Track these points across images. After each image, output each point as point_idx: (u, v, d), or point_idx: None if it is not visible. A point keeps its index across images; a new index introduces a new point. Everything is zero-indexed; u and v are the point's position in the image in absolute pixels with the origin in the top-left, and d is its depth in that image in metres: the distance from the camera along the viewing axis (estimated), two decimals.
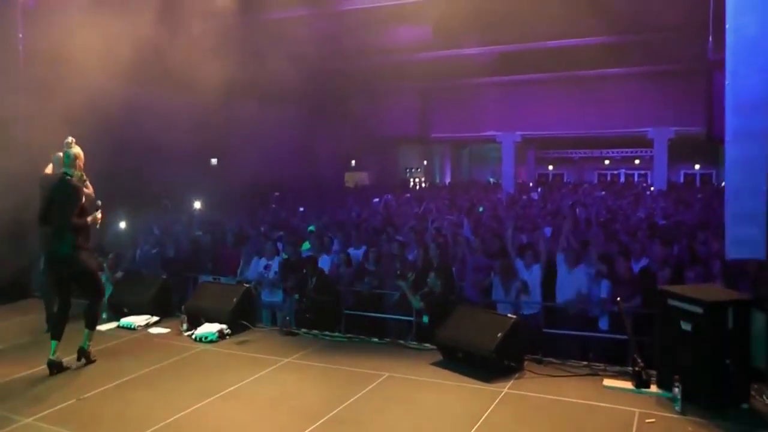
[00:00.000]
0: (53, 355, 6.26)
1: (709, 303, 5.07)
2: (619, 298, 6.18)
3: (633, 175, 36.16)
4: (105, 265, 9.47)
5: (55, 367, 6.25)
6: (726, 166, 7.16)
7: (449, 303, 7.46)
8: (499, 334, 6.11)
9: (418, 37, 17.25)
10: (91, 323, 6.51)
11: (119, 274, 9.42)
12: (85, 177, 6.53)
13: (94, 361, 6.47)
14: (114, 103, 11.39)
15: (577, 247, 8.53)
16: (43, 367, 6.29)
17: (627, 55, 17.68)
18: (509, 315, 6.65)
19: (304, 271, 8.84)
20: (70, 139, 6.41)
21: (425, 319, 7.84)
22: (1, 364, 6.58)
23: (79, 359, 6.41)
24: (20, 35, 10.15)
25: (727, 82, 6.95)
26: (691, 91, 18.66)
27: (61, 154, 6.52)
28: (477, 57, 18.80)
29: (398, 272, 8.24)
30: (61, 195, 6.29)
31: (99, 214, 6.53)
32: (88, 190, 6.49)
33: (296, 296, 8.74)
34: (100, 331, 7.63)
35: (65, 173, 6.32)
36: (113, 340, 7.46)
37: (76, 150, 6.39)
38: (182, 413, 5.28)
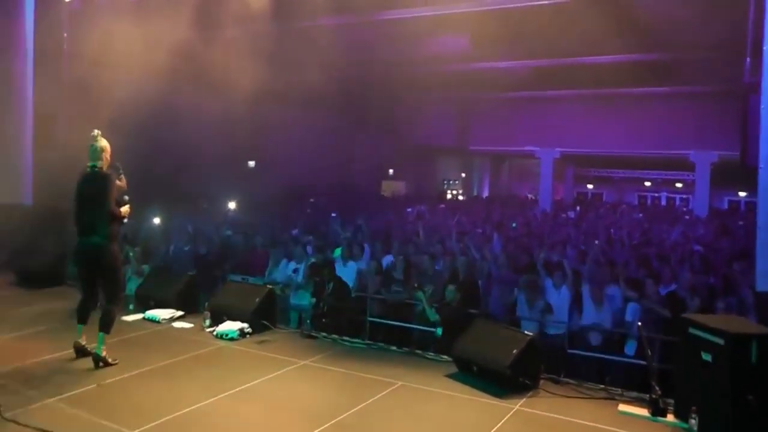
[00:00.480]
0: (79, 338, 6.43)
1: (732, 334, 4.92)
2: (639, 323, 6.08)
3: (675, 198, 35.44)
4: (132, 257, 9.66)
5: (80, 351, 6.41)
6: (759, 194, 6.97)
7: (466, 316, 7.42)
8: (515, 351, 6.06)
9: (457, 47, 17.22)
10: (106, 327, 6.37)
11: (145, 268, 9.57)
12: (121, 170, 6.65)
13: (114, 364, 6.28)
14: (153, 104, 11.67)
15: (605, 267, 8.42)
16: (68, 352, 6.45)
17: (669, 74, 17.37)
18: (527, 332, 6.57)
19: (320, 276, 8.87)
20: (95, 132, 6.48)
21: (438, 331, 7.83)
22: (31, 347, 6.77)
23: (96, 365, 6.21)
24: (65, 35, 10.45)
25: (762, 106, 6.77)
26: (736, 114, 18.22)
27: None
28: (516, 70, 18.69)
29: (416, 284, 8.23)
30: (90, 187, 6.35)
31: (127, 208, 6.60)
32: (121, 183, 6.58)
33: (313, 300, 8.78)
34: (126, 322, 7.85)
35: (92, 166, 6.38)
36: (137, 330, 7.62)
37: (103, 143, 6.44)
38: (193, 407, 5.37)
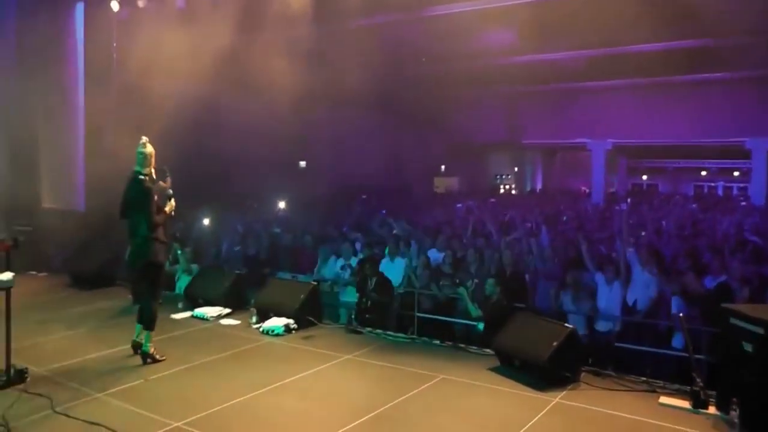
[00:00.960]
0: (137, 337, 6.72)
1: None
2: (681, 315, 5.98)
3: (732, 187, 34.31)
4: (181, 256, 9.96)
5: (139, 348, 6.68)
6: None
7: (508, 311, 7.41)
8: (555, 343, 6.05)
9: (504, 41, 17.11)
10: (149, 324, 6.63)
11: (194, 267, 9.90)
12: (167, 173, 6.90)
13: (162, 360, 6.55)
14: (201, 108, 11.98)
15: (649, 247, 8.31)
16: (118, 349, 6.79)
17: (721, 59, 16.84)
18: (566, 325, 6.54)
19: (363, 272, 8.97)
20: (144, 139, 6.76)
21: (480, 326, 7.85)
22: (81, 345, 7.11)
23: (144, 362, 6.50)
24: (114, 45, 10.84)
25: None
26: None
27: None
28: (565, 62, 18.46)
29: (458, 280, 8.27)
30: (134, 194, 6.63)
31: (173, 202, 6.84)
32: (166, 184, 6.82)
33: (357, 295, 8.90)
34: (175, 320, 8.15)
35: (137, 172, 6.65)
36: (186, 328, 7.90)
37: (150, 149, 6.71)
38: (237, 400, 5.56)
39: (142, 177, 6.62)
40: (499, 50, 17.62)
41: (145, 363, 6.48)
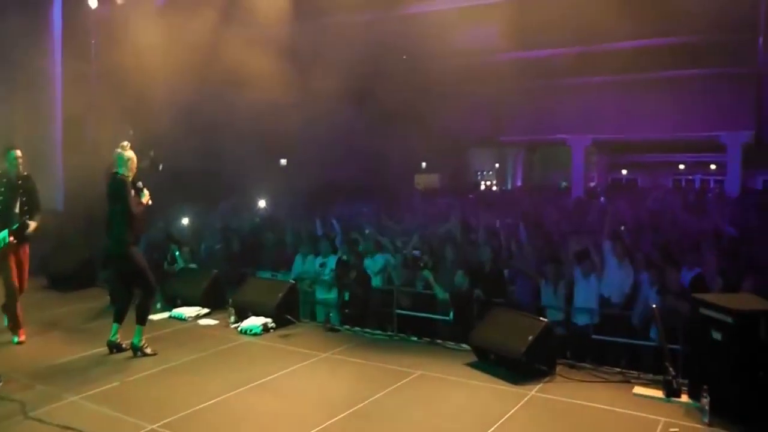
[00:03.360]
0: (113, 336, 6.74)
1: (740, 312, 4.92)
2: (654, 306, 6.06)
3: (709, 180, 34.77)
4: (179, 256, 9.90)
5: (115, 347, 6.75)
6: None
7: (476, 302, 7.65)
8: (530, 337, 6.10)
9: (486, 39, 17.19)
10: (142, 319, 6.76)
11: (194, 267, 9.89)
12: (143, 189, 6.84)
13: (154, 355, 6.70)
14: (182, 105, 11.92)
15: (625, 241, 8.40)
16: (94, 351, 6.75)
17: (699, 56, 17.09)
18: (542, 318, 6.60)
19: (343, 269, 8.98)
20: (125, 143, 6.77)
21: (450, 315, 7.97)
22: (58, 346, 7.09)
23: (135, 355, 6.66)
24: (93, 41, 10.77)
25: None
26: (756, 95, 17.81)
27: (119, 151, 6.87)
28: (545, 59, 18.60)
29: (422, 263, 8.30)
30: (111, 188, 6.64)
31: (147, 193, 6.82)
32: (144, 201, 6.81)
33: (336, 291, 8.90)
34: (152, 321, 8.05)
35: (116, 172, 6.65)
36: (164, 329, 7.86)
37: (130, 153, 6.71)
38: (214, 400, 5.55)
39: (118, 175, 6.62)
40: (480, 48, 17.73)
41: (135, 356, 6.59)
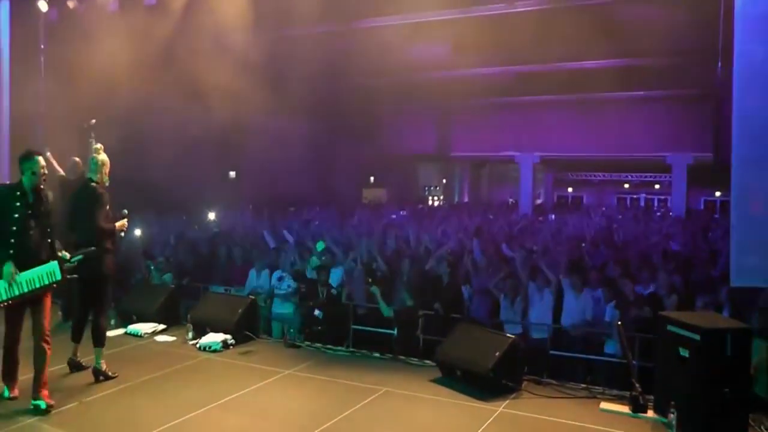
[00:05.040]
0: (74, 355, 6.48)
1: (706, 330, 5.04)
2: (619, 322, 6.17)
3: (653, 199, 36.01)
4: (154, 271, 9.58)
5: (75, 366, 6.47)
6: (732, 194, 7.12)
7: (420, 318, 7.88)
8: (497, 353, 6.13)
9: (438, 55, 17.38)
10: (100, 341, 6.41)
11: (167, 277, 9.71)
12: (126, 214, 6.62)
13: (114, 377, 6.33)
14: (132, 114, 11.63)
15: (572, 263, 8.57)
16: (50, 369, 6.38)
17: (644, 78, 17.67)
18: (509, 335, 6.65)
19: (306, 283, 8.88)
20: (98, 145, 6.51)
21: (395, 331, 8.09)
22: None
23: (96, 380, 6.27)
24: (42, 46, 10.43)
25: (733, 108, 6.92)
26: (710, 117, 18.55)
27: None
28: (495, 77, 18.90)
29: (369, 279, 8.31)
30: (84, 201, 6.33)
31: (124, 222, 6.58)
32: (121, 225, 6.56)
33: (300, 308, 8.78)
34: (108, 337, 7.74)
35: (89, 179, 6.38)
36: (119, 346, 7.55)
37: (103, 157, 6.44)
38: (177, 420, 5.36)
39: (93, 183, 6.34)
40: (432, 64, 17.89)
41: (97, 381, 6.24)
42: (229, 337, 7.59)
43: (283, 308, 9.68)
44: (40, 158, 5.55)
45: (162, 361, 6.99)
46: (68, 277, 5.68)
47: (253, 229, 14.39)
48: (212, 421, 5.45)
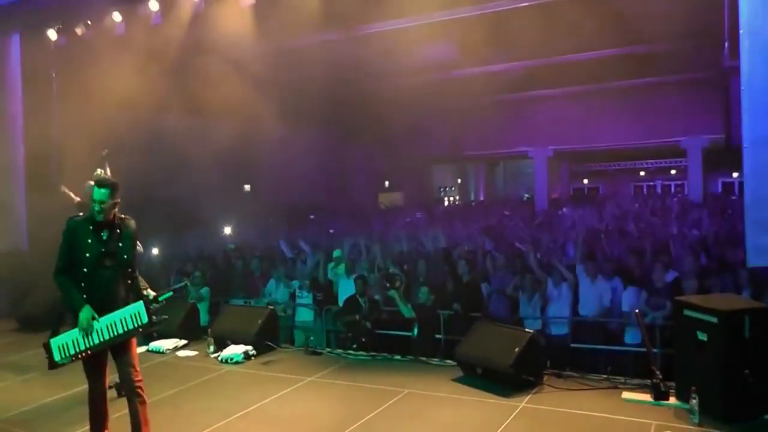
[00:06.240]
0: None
1: (724, 312, 5.00)
2: (637, 311, 6.14)
3: (670, 185, 35.66)
4: (190, 287, 9.64)
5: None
6: (744, 173, 7.05)
7: (437, 317, 7.92)
8: (517, 349, 6.12)
9: (445, 55, 17.35)
10: None
11: (204, 291, 9.82)
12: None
13: None
14: (146, 136, 11.75)
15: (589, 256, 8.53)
16: (73, 391, 6.45)
17: (654, 64, 17.47)
18: (527, 330, 6.63)
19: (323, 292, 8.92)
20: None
21: (414, 331, 8.03)
22: (35, 389, 6.83)
23: (119, 395, 6.05)
24: (53, 74, 10.57)
25: (742, 88, 6.85)
26: (721, 98, 18.36)
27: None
28: (504, 73, 18.83)
29: (387, 281, 8.31)
30: None
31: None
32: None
33: (322, 316, 8.82)
34: None
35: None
36: (142, 363, 7.39)
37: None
38: None
39: None
40: (440, 65, 17.87)
41: (120, 396, 6.06)
42: (250, 348, 7.66)
43: (305, 316, 9.77)
44: (104, 189, 4.84)
45: (185, 375, 7.07)
46: (155, 319, 5.03)
47: (268, 240, 14.49)
48: (238, 430, 5.49)
